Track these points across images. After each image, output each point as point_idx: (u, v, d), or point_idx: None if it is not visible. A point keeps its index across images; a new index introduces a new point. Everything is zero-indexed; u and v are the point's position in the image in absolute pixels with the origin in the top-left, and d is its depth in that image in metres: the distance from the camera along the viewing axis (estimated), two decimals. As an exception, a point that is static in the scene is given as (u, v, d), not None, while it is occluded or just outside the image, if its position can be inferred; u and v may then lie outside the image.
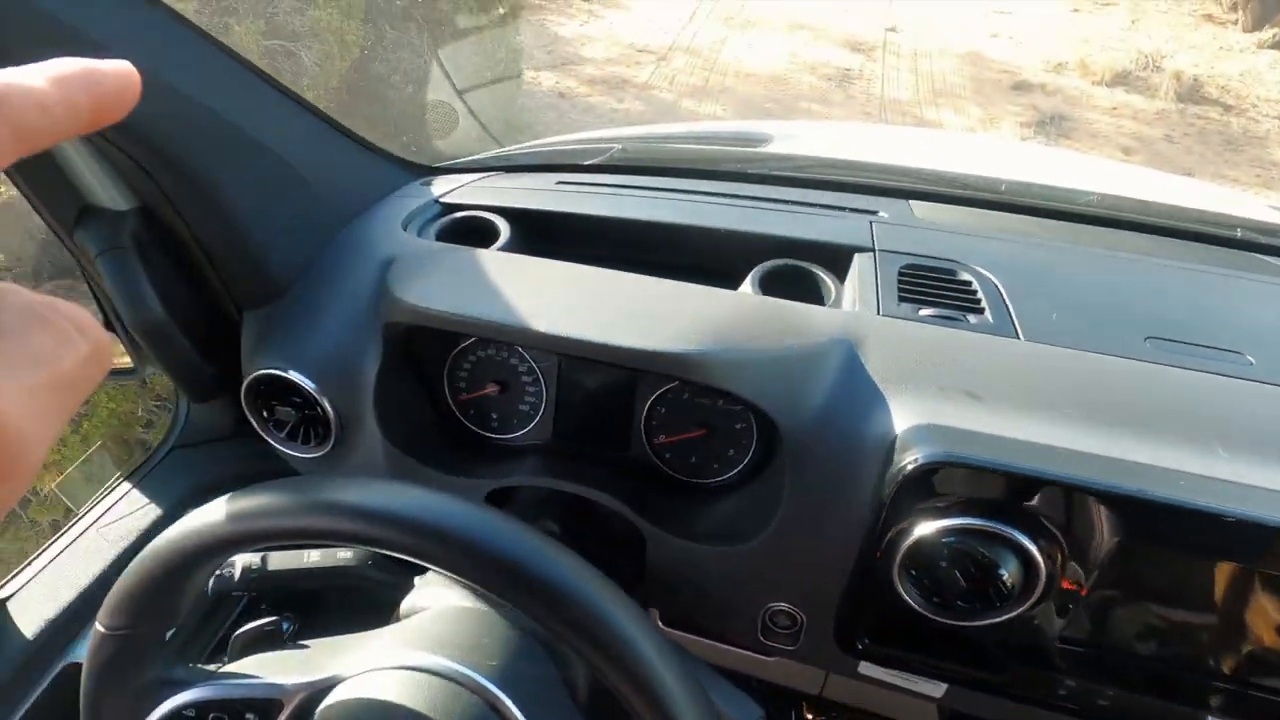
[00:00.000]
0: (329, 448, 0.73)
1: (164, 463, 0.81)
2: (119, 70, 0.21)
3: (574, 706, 0.49)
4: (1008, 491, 0.49)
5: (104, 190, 0.63)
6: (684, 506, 0.72)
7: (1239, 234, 0.93)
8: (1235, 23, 6.70)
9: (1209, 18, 6.96)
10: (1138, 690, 0.54)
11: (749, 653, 0.77)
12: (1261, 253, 0.89)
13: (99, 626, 0.43)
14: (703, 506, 0.72)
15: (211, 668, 0.46)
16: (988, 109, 5.51)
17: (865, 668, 0.63)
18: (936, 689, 0.62)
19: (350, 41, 2.99)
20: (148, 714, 0.44)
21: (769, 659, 0.77)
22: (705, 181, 0.95)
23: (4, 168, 0.19)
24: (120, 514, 0.76)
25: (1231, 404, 0.57)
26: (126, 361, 0.87)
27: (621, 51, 6.23)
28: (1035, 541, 0.49)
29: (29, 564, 0.70)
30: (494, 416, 0.79)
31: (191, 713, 0.44)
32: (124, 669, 0.43)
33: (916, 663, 0.59)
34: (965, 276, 0.74)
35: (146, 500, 0.78)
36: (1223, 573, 0.50)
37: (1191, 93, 5.61)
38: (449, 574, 0.39)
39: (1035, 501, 0.50)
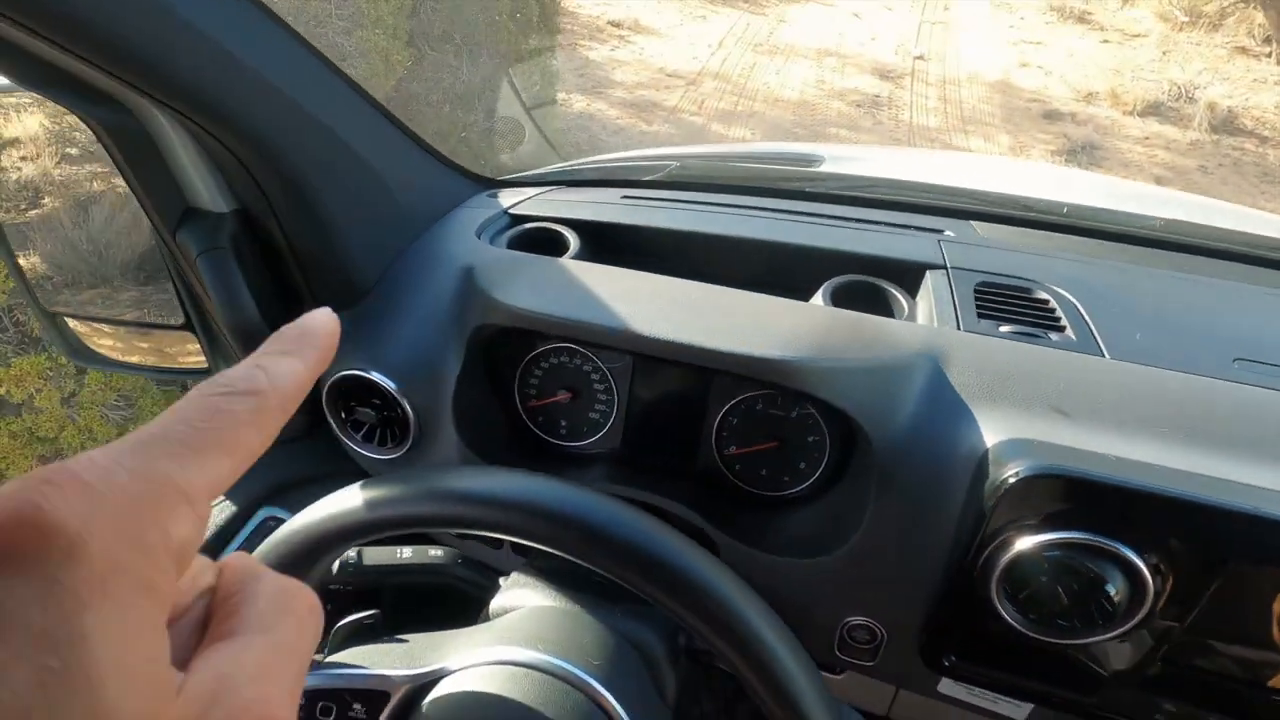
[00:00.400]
0: (405, 449, 0.74)
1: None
2: (324, 322, 0.23)
3: (666, 709, 0.49)
4: (1114, 507, 0.49)
5: (206, 193, 0.66)
6: (754, 518, 0.72)
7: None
8: (1269, 55, 6.66)
9: (1242, 50, 6.92)
10: (1236, 714, 0.53)
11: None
12: None
13: None
14: (773, 518, 0.72)
15: (316, 658, 0.46)
16: (1018, 136, 5.51)
17: (946, 686, 0.63)
18: (1020, 710, 0.61)
19: (395, 61, 3.07)
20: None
21: (837, 676, 0.76)
22: (766, 199, 0.97)
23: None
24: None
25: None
26: (200, 362, 0.89)
27: (651, 76, 6.33)
28: (1143, 557, 0.48)
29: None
30: (563, 424, 0.80)
31: (302, 701, 0.44)
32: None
33: (1004, 683, 0.58)
34: (1042, 295, 0.74)
35: (223, 498, 0.79)
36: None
37: (1226, 124, 5.57)
38: (579, 560, 0.39)
39: (1141, 518, 0.49)
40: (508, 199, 0.95)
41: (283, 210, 0.67)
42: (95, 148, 0.65)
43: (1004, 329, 0.68)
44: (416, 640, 0.48)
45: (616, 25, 7.19)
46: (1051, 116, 5.82)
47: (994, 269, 0.78)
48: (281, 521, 0.59)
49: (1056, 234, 0.94)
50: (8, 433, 1.94)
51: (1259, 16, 6.73)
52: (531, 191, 0.99)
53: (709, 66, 6.48)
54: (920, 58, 6.89)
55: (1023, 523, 0.50)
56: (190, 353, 0.90)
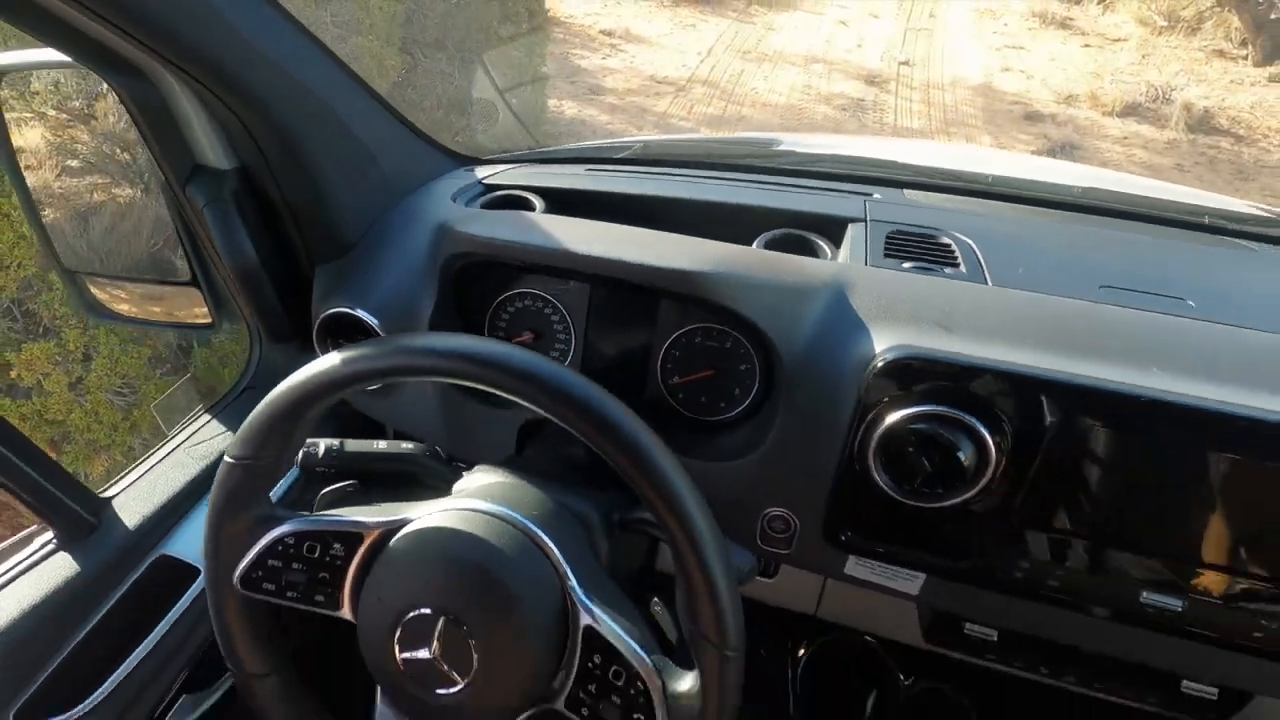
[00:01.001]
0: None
1: (240, 398, 0.93)
2: None
3: (599, 567, 0.59)
4: (964, 384, 0.59)
5: (212, 152, 0.76)
6: (694, 439, 0.82)
7: (1207, 220, 1.02)
8: (1246, 58, 6.81)
9: (1220, 53, 7.07)
10: (1080, 570, 0.63)
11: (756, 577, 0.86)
12: (1230, 235, 0.98)
13: (227, 459, 0.53)
14: (712, 439, 0.82)
15: (304, 513, 0.56)
16: (999, 137, 5.64)
17: (851, 567, 0.72)
18: (914, 584, 0.71)
19: (388, 66, 3.20)
20: (257, 540, 0.54)
21: (770, 580, 0.86)
22: (719, 170, 1.07)
23: None
24: (203, 438, 0.87)
25: (1170, 336, 0.66)
26: (206, 318, 0.99)
27: (642, 83, 6.46)
28: (987, 426, 0.58)
29: (129, 472, 0.81)
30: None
31: (291, 540, 0.54)
32: (242, 498, 0.53)
33: (894, 553, 0.68)
34: (945, 240, 0.84)
35: (224, 429, 0.89)
36: (1149, 458, 0.59)
37: (1202, 123, 5.70)
38: (514, 398, 0.49)
39: (988, 395, 0.59)
40: (483, 173, 1.05)
41: (278, 168, 0.78)
42: (96, 159, 0.75)
43: (906, 265, 0.78)
44: (388, 504, 0.57)
45: (608, 34, 7.33)
46: (1033, 118, 5.96)
47: (908, 221, 0.89)
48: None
49: (977, 199, 1.04)
50: (18, 415, 2.04)
51: (1235, 20, 6.88)
52: (505, 167, 1.10)
53: (698, 73, 6.62)
54: (905, 63, 7.03)
55: (892, 402, 0.61)
56: (196, 310, 1.00)
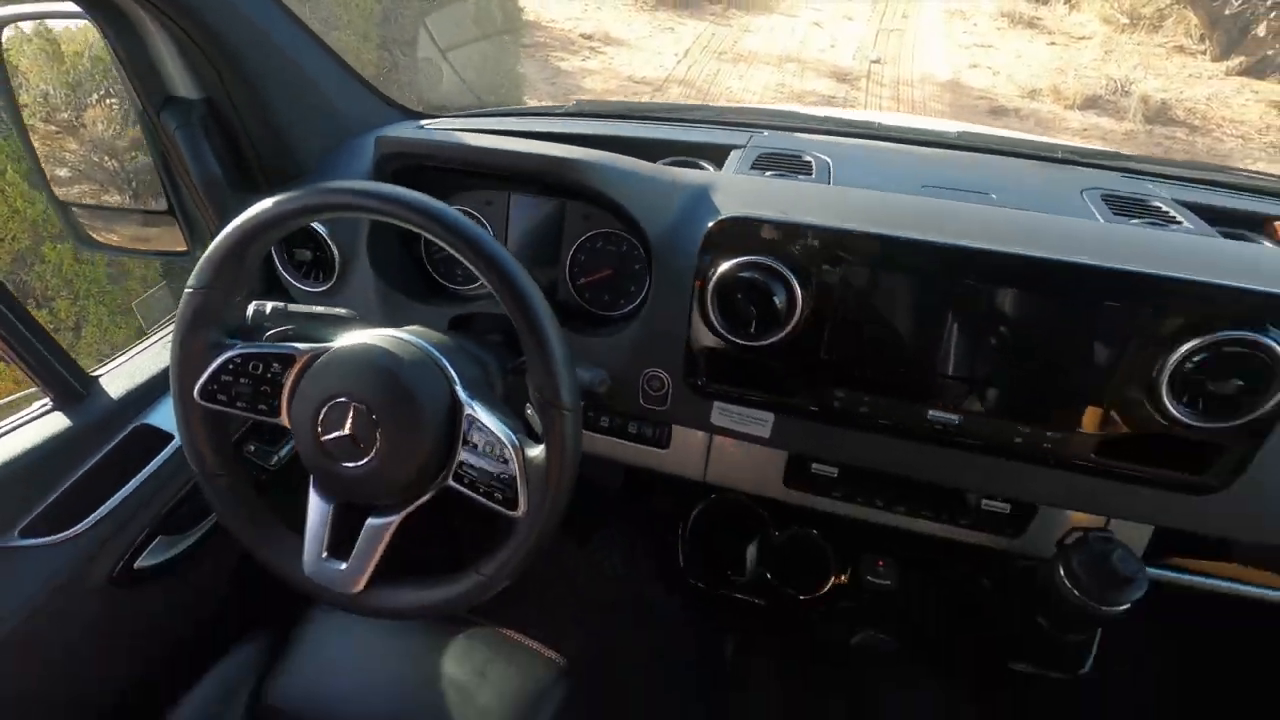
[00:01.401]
0: (332, 283, 0.99)
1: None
2: None
3: (496, 399, 0.73)
4: (778, 240, 0.74)
5: (182, 84, 0.91)
6: (598, 331, 0.97)
7: (1059, 155, 1.18)
8: (1204, 53, 7.05)
9: (1180, 49, 7.31)
10: (891, 393, 0.78)
11: (649, 448, 1.01)
12: (1041, 160, 1.13)
13: (188, 289, 0.68)
14: (613, 329, 0.97)
15: (252, 341, 0.71)
16: (964, 131, 5.83)
17: (715, 416, 0.87)
18: (765, 427, 0.85)
19: (366, 60, 3.35)
20: (212, 361, 0.69)
21: (663, 451, 1.00)
22: (641, 121, 1.22)
23: None
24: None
25: (964, 212, 0.81)
26: (181, 246, 1.14)
27: (620, 84, 6.65)
28: (796, 275, 0.74)
29: (114, 357, 0.96)
30: (458, 273, 1.05)
31: (239, 360, 0.69)
32: (199, 321, 0.68)
33: (740, 394, 0.83)
34: (806, 158, 1.00)
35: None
36: (924, 296, 0.74)
37: (1159, 114, 5.92)
38: (404, 224, 0.63)
39: (797, 249, 0.75)
40: (428, 124, 1.20)
41: (238, 98, 0.92)
42: (85, 167, 0.89)
43: (768, 174, 0.94)
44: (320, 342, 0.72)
45: (588, 37, 7.53)
46: (997, 112, 6.16)
47: (782, 148, 1.04)
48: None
49: (854, 139, 1.20)
50: (13, 380, 2.17)
51: (1194, 17, 7.13)
52: (450, 120, 1.25)
53: (675, 73, 6.81)
54: (877, 61, 7.25)
55: (724, 256, 0.76)
56: (173, 240, 1.14)
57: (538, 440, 0.67)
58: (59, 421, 0.85)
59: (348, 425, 0.64)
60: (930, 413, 0.77)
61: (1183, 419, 0.68)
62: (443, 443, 0.67)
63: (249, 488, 0.74)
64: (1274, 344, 0.63)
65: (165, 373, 0.94)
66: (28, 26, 1.00)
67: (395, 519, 0.69)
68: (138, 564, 0.87)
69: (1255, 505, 0.73)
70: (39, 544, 0.79)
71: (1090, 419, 0.73)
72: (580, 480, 0.67)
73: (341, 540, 0.70)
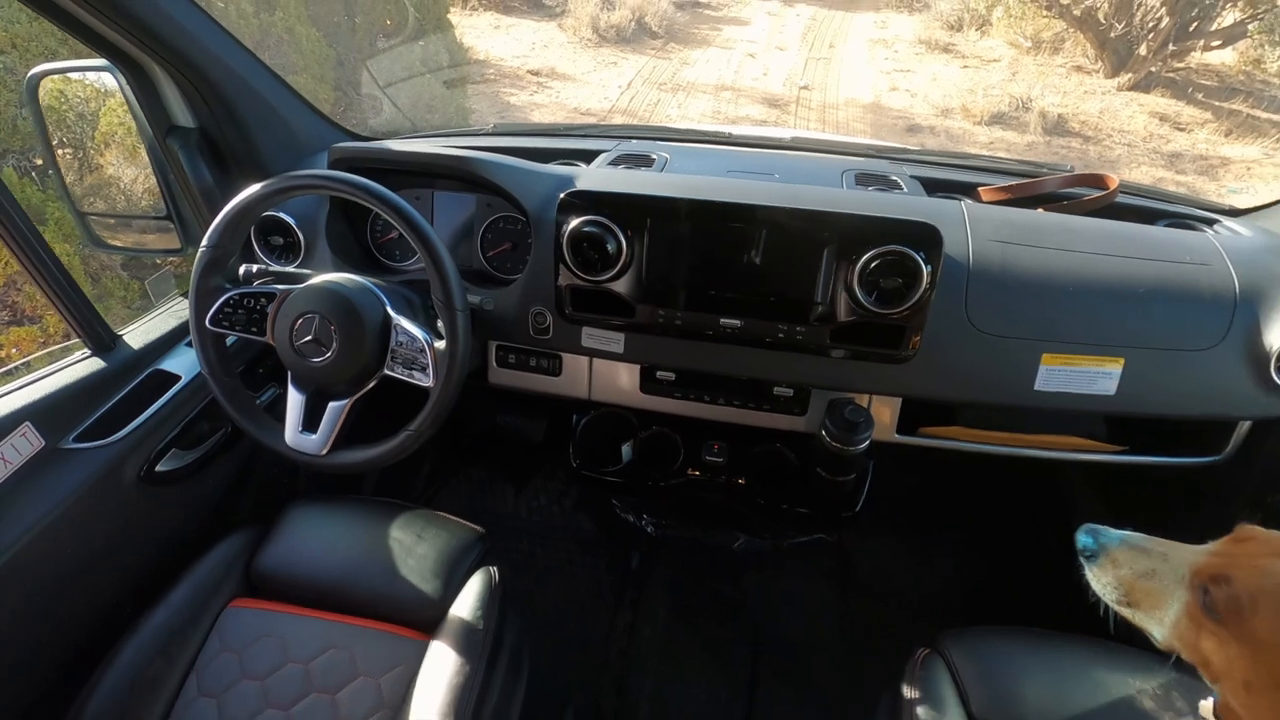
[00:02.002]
0: (299, 261, 1.31)
1: (203, 286, 1.39)
2: None
3: (410, 311, 1.06)
4: (609, 204, 1.09)
5: (182, 116, 1.23)
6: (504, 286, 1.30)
7: (854, 150, 1.56)
8: (1099, 71, 7.77)
9: (1078, 68, 8.03)
10: (693, 309, 1.12)
11: (546, 376, 1.34)
12: (829, 153, 1.51)
13: (203, 248, 1.00)
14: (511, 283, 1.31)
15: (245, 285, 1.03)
16: (883, 147, 6.35)
17: (585, 340, 1.21)
18: (619, 344, 1.19)
19: (324, 99, 3.69)
20: (217, 299, 1.01)
21: (558, 378, 1.33)
22: (542, 137, 1.58)
23: None
24: (178, 308, 1.33)
25: (745, 186, 1.17)
26: (176, 245, 1.45)
27: (566, 115, 7.06)
28: (621, 228, 1.08)
29: (132, 324, 1.26)
30: (396, 252, 1.38)
31: (237, 298, 1.01)
32: (209, 271, 0.99)
33: (597, 319, 1.16)
34: (653, 156, 1.36)
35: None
36: (709, 238, 1.09)
37: (1056, 127, 6.53)
38: (355, 199, 0.97)
39: (623, 210, 1.09)
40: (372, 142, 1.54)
41: (224, 126, 1.25)
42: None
43: (620, 167, 1.29)
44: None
45: (535, 73, 7.96)
46: (913, 129, 6.72)
47: (637, 150, 1.40)
48: None
49: (705, 144, 1.57)
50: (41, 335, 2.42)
51: (1086, 40, 7.85)
52: (388, 140, 1.59)
53: (619, 104, 7.26)
54: (806, 88, 7.81)
55: (572, 216, 1.10)
56: (169, 241, 1.45)
57: (441, 339, 1.00)
58: (96, 364, 1.16)
59: (313, 330, 0.97)
60: (722, 320, 1.12)
61: (872, 308, 1.04)
62: (379, 343, 1.00)
63: (244, 390, 1.06)
64: (910, 251, 1.00)
65: (173, 332, 1.26)
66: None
67: (349, 401, 1.01)
68: (158, 468, 1.17)
69: (932, 369, 1.09)
70: (88, 447, 1.09)
71: (822, 315, 1.08)
72: (509, 435, 0.99)
73: (312, 419, 1.02)
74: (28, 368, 1.13)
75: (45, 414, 1.06)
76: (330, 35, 4.00)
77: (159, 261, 2.39)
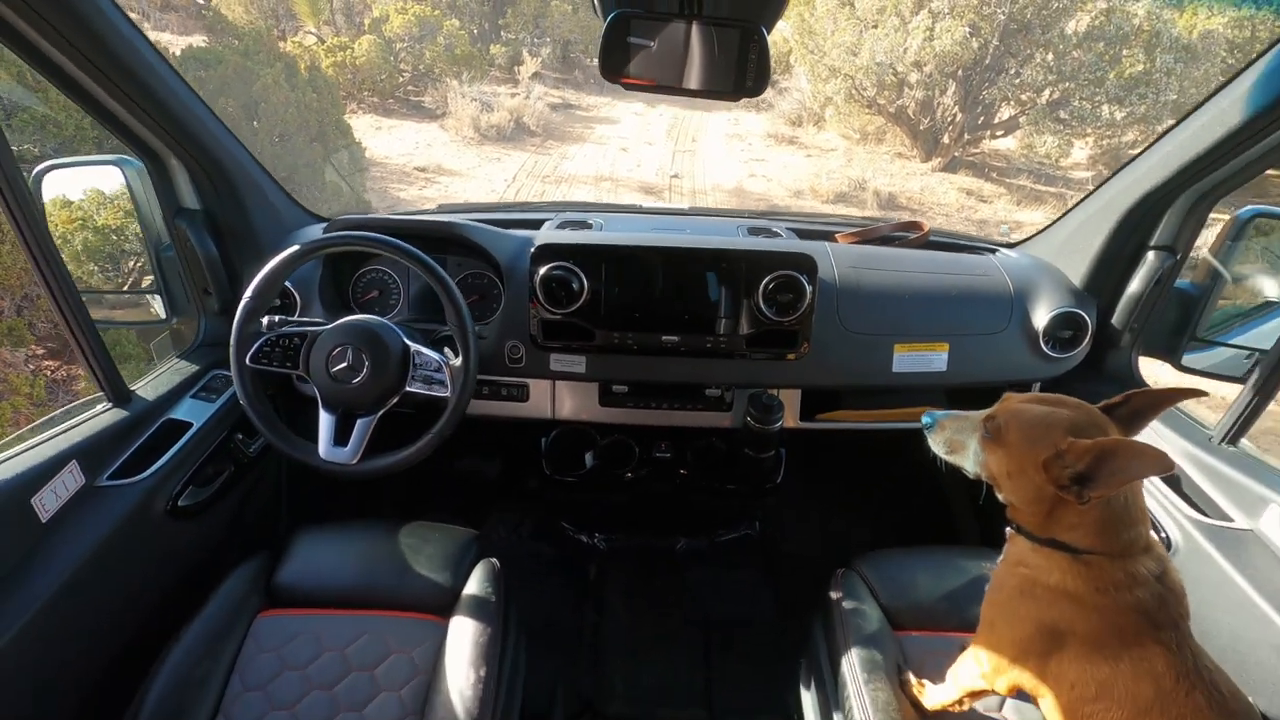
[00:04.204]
0: (296, 314, 1.51)
1: (198, 351, 1.54)
2: None
3: (423, 340, 1.31)
4: (569, 253, 1.41)
5: (189, 199, 1.44)
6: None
7: (742, 215, 1.99)
8: (915, 156, 9.22)
9: (900, 154, 9.46)
10: (641, 329, 1.44)
11: (516, 403, 1.59)
12: (727, 217, 1.94)
13: (246, 298, 1.20)
14: (488, 323, 1.57)
15: (277, 328, 1.24)
16: (749, 225, 7.16)
17: (553, 364, 1.49)
18: (582, 365, 1.48)
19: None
20: (256, 340, 1.21)
21: (525, 403, 1.59)
22: (486, 213, 1.88)
23: None
24: (179, 366, 1.48)
25: (682, 239, 1.53)
26: (161, 316, 1.60)
27: (457, 206, 7.42)
28: (582, 270, 1.40)
29: (143, 379, 1.40)
30: (376, 309, 1.62)
31: (274, 338, 1.21)
32: (249, 321, 1.19)
33: (565, 345, 1.45)
34: (590, 221, 1.70)
35: (190, 365, 1.50)
36: (647, 274, 1.43)
37: (889, 202, 7.66)
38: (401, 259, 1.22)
39: (580, 256, 1.41)
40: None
41: (227, 206, 1.46)
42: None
43: (565, 229, 1.62)
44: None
45: (422, 170, 8.30)
46: (774, 209, 7.64)
47: (575, 218, 1.74)
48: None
49: (624, 213, 1.94)
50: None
51: (901, 133, 9.33)
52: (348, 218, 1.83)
53: (505, 196, 7.71)
54: (675, 176, 8.66)
55: (541, 264, 1.41)
56: (156, 313, 1.60)
57: (451, 359, 1.26)
58: (117, 414, 1.29)
59: (348, 357, 1.20)
60: (663, 337, 1.44)
61: (773, 318, 1.41)
62: (400, 366, 1.23)
63: (275, 415, 1.25)
64: (796, 274, 1.38)
65: (179, 385, 1.42)
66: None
67: (374, 417, 1.23)
68: (180, 503, 1.30)
69: (820, 364, 1.47)
70: (120, 484, 1.22)
71: (736, 327, 1.44)
72: (468, 477, 1.23)
73: (342, 435, 1.23)
74: (50, 422, 1.26)
75: (84, 455, 1.19)
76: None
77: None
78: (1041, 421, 0.85)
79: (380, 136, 9.18)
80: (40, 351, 3.53)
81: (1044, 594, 0.86)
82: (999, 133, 8.82)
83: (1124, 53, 7.23)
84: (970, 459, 0.95)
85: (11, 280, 2.73)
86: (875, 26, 8.04)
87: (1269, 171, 1.30)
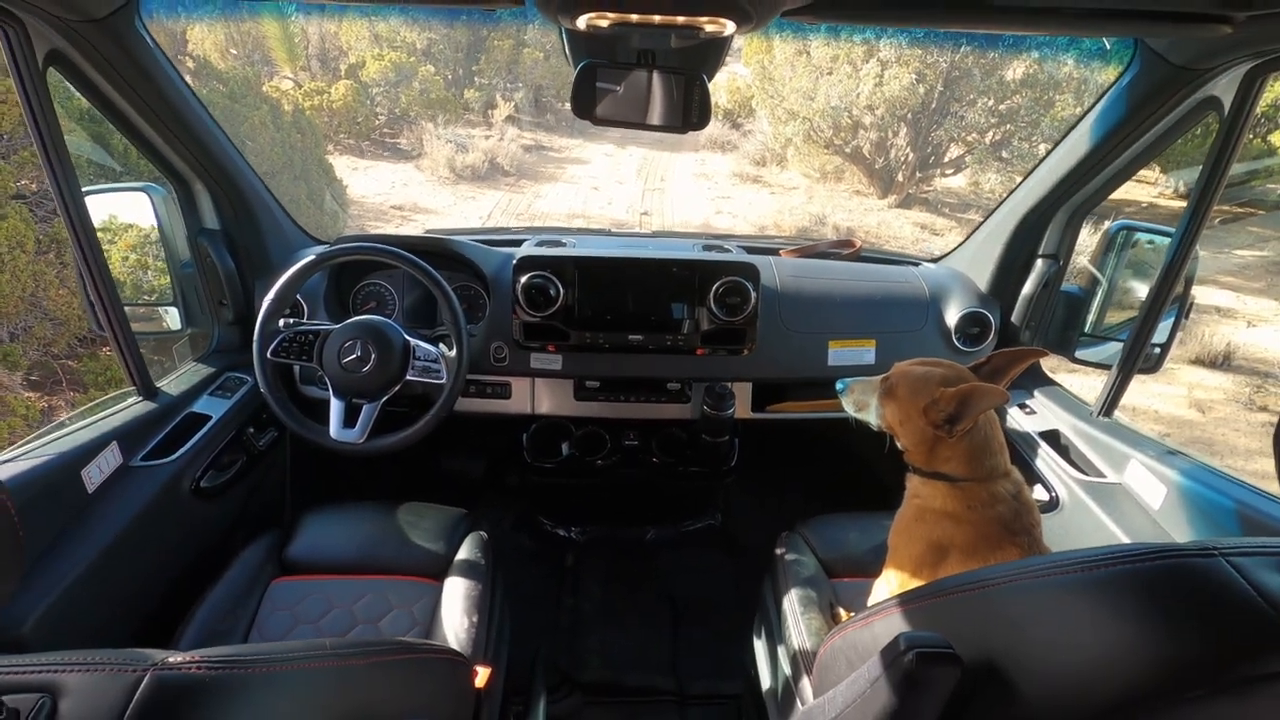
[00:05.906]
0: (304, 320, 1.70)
1: (213, 355, 1.72)
2: None
3: (421, 337, 1.51)
4: (548, 261, 1.63)
5: (210, 219, 1.64)
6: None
7: (699, 235, 2.24)
8: (873, 194, 9.72)
9: (858, 192, 9.97)
10: (610, 329, 1.65)
11: (499, 400, 1.79)
12: (686, 238, 2.19)
13: (269, 300, 1.39)
14: (475, 326, 1.78)
15: (295, 326, 1.43)
16: (716, 258, 7.49)
17: (534, 362, 1.70)
18: (559, 363, 1.69)
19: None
20: (276, 336, 1.39)
21: (508, 400, 1.79)
22: (478, 235, 2.11)
23: None
24: (197, 368, 1.65)
25: (646, 253, 1.76)
26: (178, 326, 1.78)
27: (433, 242, 7.63)
28: (557, 278, 1.62)
29: (167, 379, 1.57)
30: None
31: (292, 335, 1.40)
32: (271, 320, 1.38)
33: (543, 345, 1.66)
34: (564, 241, 1.93)
35: (209, 369, 1.67)
36: (615, 283, 1.65)
37: (849, 235, 8.07)
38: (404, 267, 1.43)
39: (559, 266, 1.63)
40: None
41: (244, 227, 1.66)
42: None
43: (542, 248, 1.85)
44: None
45: (399, 208, 8.53)
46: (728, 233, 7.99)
47: (551, 238, 1.97)
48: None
49: (596, 234, 2.18)
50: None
51: (858, 171, 9.86)
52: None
53: (481, 231, 7.96)
54: (645, 213, 9.02)
55: (522, 274, 1.62)
56: (169, 323, 1.78)
57: (447, 352, 1.46)
58: (147, 405, 1.47)
59: (357, 349, 1.39)
60: (630, 336, 1.66)
61: (723, 318, 1.64)
62: (402, 358, 1.43)
63: (291, 402, 1.43)
64: (742, 280, 1.62)
65: (199, 383, 1.61)
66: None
67: (379, 402, 1.42)
68: (202, 484, 1.47)
69: (766, 359, 1.70)
70: (152, 464, 1.39)
71: (693, 326, 1.66)
72: (453, 477, 1.43)
73: (350, 418, 1.41)
74: (90, 411, 1.42)
75: (122, 438, 1.36)
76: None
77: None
78: (922, 378, 1.09)
79: (356, 176, 9.41)
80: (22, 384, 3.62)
81: (931, 516, 1.08)
82: (949, 171, 9.37)
83: (1056, 97, 7.82)
84: (873, 413, 1.17)
85: (8, 308, 2.87)
86: (830, 73, 8.58)
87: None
